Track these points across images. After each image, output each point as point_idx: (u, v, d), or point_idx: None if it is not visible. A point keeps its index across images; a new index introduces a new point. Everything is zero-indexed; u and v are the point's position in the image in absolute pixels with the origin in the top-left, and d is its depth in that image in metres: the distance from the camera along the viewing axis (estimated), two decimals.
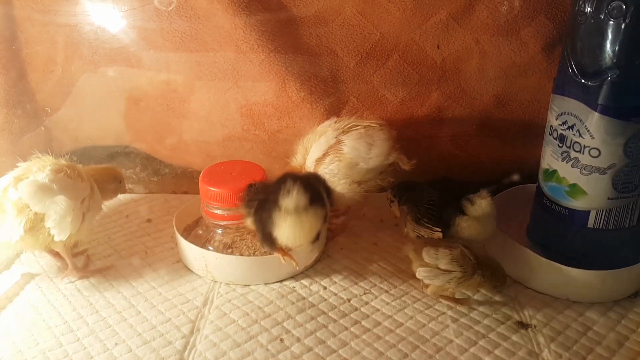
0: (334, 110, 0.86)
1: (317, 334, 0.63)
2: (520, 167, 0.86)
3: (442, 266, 0.65)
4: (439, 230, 0.68)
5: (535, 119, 0.87)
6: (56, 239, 0.65)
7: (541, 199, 0.72)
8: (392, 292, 0.71)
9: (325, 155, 0.75)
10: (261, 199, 0.65)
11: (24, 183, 0.64)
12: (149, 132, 0.94)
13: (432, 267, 0.66)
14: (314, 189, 0.64)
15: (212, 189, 0.71)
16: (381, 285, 0.72)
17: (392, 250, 0.79)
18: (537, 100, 0.87)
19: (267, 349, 0.61)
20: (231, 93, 0.86)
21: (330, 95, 0.86)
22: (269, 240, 0.65)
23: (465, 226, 0.68)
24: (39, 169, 0.66)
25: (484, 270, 0.65)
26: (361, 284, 0.72)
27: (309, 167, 0.76)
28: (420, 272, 0.67)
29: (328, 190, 0.69)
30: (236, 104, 0.87)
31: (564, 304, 0.68)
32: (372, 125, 0.77)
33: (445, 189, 0.71)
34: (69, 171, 0.67)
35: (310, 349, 0.61)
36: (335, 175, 0.74)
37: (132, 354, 0.59)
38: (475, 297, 0.70)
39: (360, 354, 0.61)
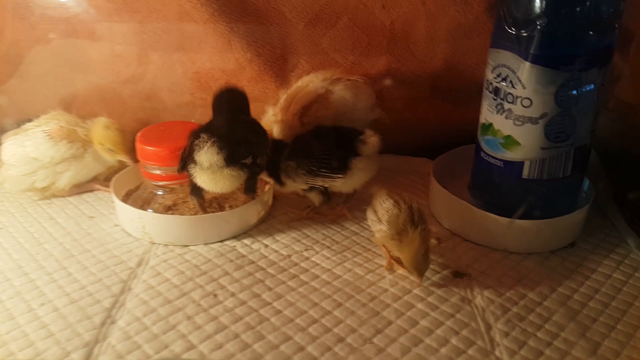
0: (282, 73, 0.85)
1: (253, 288, 0.63)
2: (468, 129, 0.87)
3: (380, 216, 0.65)
4: (340, 176, 0.70)
5: (482, 81, 0.86)
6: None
7: (479, 154, 0.72)
8: (334, 247, 0.71)
9: (312, 103, 0.76)
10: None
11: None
12: (95, 100, 0.92)
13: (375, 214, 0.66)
14: (236, 144, 0.66)
15: (149, 147, 0.70)
16: (324, 242, 0.72)
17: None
18: (483, 62, 0.86)
19: (199, 304, 0.61)
20: (177, 56, 0.85)
21: (279, 57, 0.85)
22: (196, 191, 0.68)
23: (362, 167, 0.70)
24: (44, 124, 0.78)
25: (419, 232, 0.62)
26: (304, 241, 0.72)
27: (294, 114, 0.76)
28: (368, 215, 0.67)
29: (263, 143, 0.70)
30: (182, 67, 0.85)
31: (501, 255, 0.69)
32: (357, 79, 0.79)
33: (324, 137, 0.72)
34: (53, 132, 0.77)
35: (243, 302, 0.61)
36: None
37: (58, 313, 0.59)
38: None
39: (295, 305, 0.61)
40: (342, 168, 0.70)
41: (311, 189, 0.73)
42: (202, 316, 0.59)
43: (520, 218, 0.67)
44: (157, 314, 0.59)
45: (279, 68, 0.85)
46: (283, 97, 0.79)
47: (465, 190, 0.77)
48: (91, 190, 0.84)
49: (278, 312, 0.60)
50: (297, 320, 0.59)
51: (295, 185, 0.73)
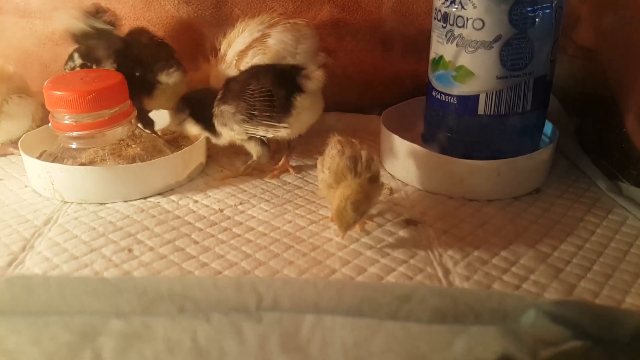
0: (215, 22, 0.78)
1: (176, 242, 0.54)
2: (420, 83, 0.80)
3: (324, 164, 0.57)
4: (285, 126, 0.62)
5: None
6: None
7: (431, 94, 0.65)
8: (273, 200, 0.63)
9: (248, 48, 0.69)
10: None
11: None
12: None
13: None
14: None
15: (56, 92, 0.61)
16: (262, 196, 0.64)
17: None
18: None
19: (110, 260, 0.51)
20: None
21: (210, 5, 0.77)
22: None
23: (308, 105, 0.63)
24: None
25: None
26: (240, 195, 0.64)
27: (229, 61, 0.70)
28: (317, 165, 0.59)
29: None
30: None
31: (458, 202, 0.62)
32: (298, 22, 0.72)
33: (262, 75, 0.63)
34: None
35: (163, 257, 0.52)
36: None
37: None
38: None
39: (224, 258, 0.52)
40: (286, 108, 0.62)
41: (250, 138, 0.65)
42: (112, 271, 0.50)
43: (478, 159, 0.61)
44: (59, 270, 0.50)
45: (211, 16, 0.77)
46: (223, 43, 0.72)
47: (419, 141, 0.70)
48: (4, 155, 0.74)
49: (203, 264, 0.51)
50: (225, 272, 0.50)
51: (233, 134, 0.64)
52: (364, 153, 0.55)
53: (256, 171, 0.69)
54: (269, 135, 0.63)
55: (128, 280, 0.31)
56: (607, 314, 0.32)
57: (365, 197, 0.51)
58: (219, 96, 0.64)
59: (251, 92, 0.62)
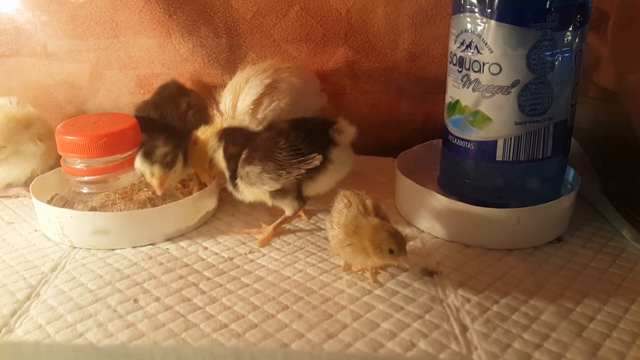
0: (229, 67, 0.78)
1: (183, 292, 0.53)
2: (436, 125, 0.79)
3: (333, 220, 0.55)
4: (319, 155, 0.58)
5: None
6: None
7: (447, 138, 0.64)
8: (284, 249, 0.61)
9: (262, 95, 0.67)
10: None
11: None
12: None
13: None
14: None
15: (68, 137, 0.60)
16: (273, 244, 0.62)
17: None
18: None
19: (115, 310, 0.50)
20: (112, 50, 0.77)
21: (225, 49, 0.77)
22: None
23: (343, 158, 0.60)
24: None
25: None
26: (250, 243, 0.62)
27: (242, 112, 0.67)
28: (326, 223, 0.57)
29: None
30: (119, 62, 0.77)
31: (477, 252, 0.60)
32: (293, 67, 0.72)
33: (293, 131, 0.60)
34: None
35: (169, 308, 0.50)
36: (277, 117, 0.67)
37: None
38: None
39: (231, 309, 0.50)
40: (321, 162, 0.59)
41: (283, 194, 0.60)
42: (116, 323, 0.48)
43: (497, 207, 0.58)
44: (64, 320, 0.48)
45: (225, 60, 0.77)
46: (225, 97, 0.68)
47: (435, 186, 0.68)
48: (17, 197, 0.74)
49: (209, 317, 0.49)
50: (232, 326, 0.48)
51: (258, 192, 0.61)
52: (369, 202, 0.54)
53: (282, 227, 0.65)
54: (302, 171, 0.58)
55: (121, 348, 0.29)
56: None
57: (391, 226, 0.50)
58: (243, 156, 0.60)
59: (279, 150, 0.58)
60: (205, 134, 0.63)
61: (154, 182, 0.60)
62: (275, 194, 0.60)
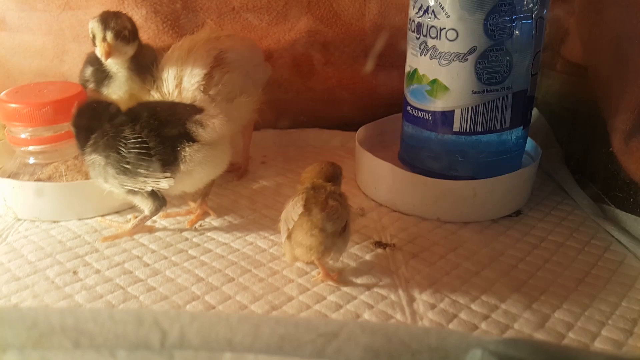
0: (185, 34, 0.75)
1: (125, 265, 0.51)
2: (401, 98, 0.77)
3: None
4: (168, 175, 0.50)
5: None
6: None
7: (406, 109, 0.62)
8: (237, 222, 0.59)
9: (212, 69, 0.59)
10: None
11: None
12: None
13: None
14: None
15: (12, 105, 0.58)
16: (225, 217, 0.60)
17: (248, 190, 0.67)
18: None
19: (53, 282, 0.48)
20: (64, 19, 0.74)
21: (180, 15, 0.74)
22: None
23: (200, 158, 0.51)
24: None
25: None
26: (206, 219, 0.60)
27: (190, 90, 0.58)
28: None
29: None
30: (72, 31, 0.74)
31: (433, 224, 0.58)
32: (232, 35, 0.67)
33: (144, 117, 0.51)
34: None
35: (109, 280, 0.49)
36: (231, 91, 0.60)
37: None
38: None
39: (174, 282, 0.49)
40: (169, 162, 0.50)
41: (131, 192, 0.53)
42: (53, 294, 0.46)
43: (454, 179, 0.57)
44: None
45: (182, 27, 0.74)
46: (167, 74, 0.60)
47: (395, 160, 0.66)
48: None
49: (151, 289, 0.48)
50: (173, 298, 0.47)
51: (107, 187, 0.52)
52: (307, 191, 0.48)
53: (151, 225, 0.58)
54: (149, 188, 0.52)
55: (13, 311, 0.28)
56: (560, 355, 0.28)
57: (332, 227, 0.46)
58: (91, 140, 0.52)
59: (124, 139, 0.50)
60: None
61: (102, 47, 0.56)
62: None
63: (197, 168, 0.52)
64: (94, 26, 0.57)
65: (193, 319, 0.26)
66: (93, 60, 0.62)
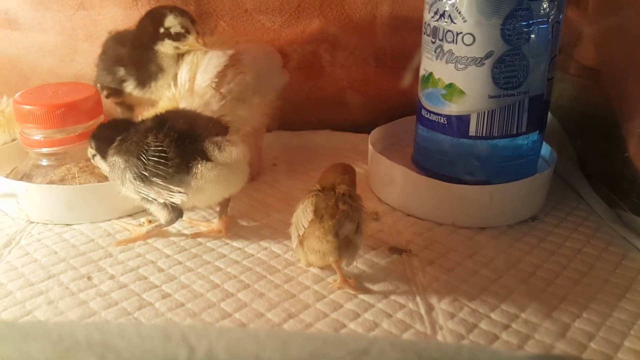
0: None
1: (140, 270, 0.51)
2: (413, 100, 0.77)
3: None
4: (182, 191, 0.50)
5: None
6: None
7: (420, 113, 0.61)
8: (250, 225, 0.59)
9: (226, 68, 0.60)
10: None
11: None
12: None
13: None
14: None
15: (25, 107, 0.58)
16: (239, 221, 0.60)
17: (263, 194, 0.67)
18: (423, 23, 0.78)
19: (67, 288, 0.48)
20: (78, 19, 0.73)
21: (194, 17, 0.74)
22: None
23: (212, 177, 0.50)
24: None
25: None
26: (215, 220, 0.60)
27: (203, 86, 0.59)
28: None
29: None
30: (84, 31, 0.74)
31: (448, 230, 0.58)
32: (252, 40, 0.68)
33: (170, 127, 0.51)
34: None
35: (124, 286, 0.48)
36: (243, 92, 0.61)
37: None
38: None
39: (189, 288, 0.48)
40: (182, 176, 0.50)
41: (146, 200, 0.52)
42: (68, 301, 0.46)
43: (469, 184, 0.57)
44: (12, 297, 0.46)
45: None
46: (182, 69, 0.61)
47: (408, 163, 0.66)
48: None
49: (166, 295, 0.47)
50: (189, 305, 0.46)
51: (124, 190, 0.52)
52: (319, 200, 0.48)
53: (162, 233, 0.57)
54: (163, 199, 0.51)
55: (39, 325, 0.27)
56: None
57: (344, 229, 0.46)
58: (115, 142, 0.52)
59: (145, 149, 0.50)
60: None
61: (202, 41, 0.60)
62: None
63: (208, 186, 0.51)
64: (183, 21, 0.58)
65: (221, 335, 0.26)
66: (124, 60, 0.62)
